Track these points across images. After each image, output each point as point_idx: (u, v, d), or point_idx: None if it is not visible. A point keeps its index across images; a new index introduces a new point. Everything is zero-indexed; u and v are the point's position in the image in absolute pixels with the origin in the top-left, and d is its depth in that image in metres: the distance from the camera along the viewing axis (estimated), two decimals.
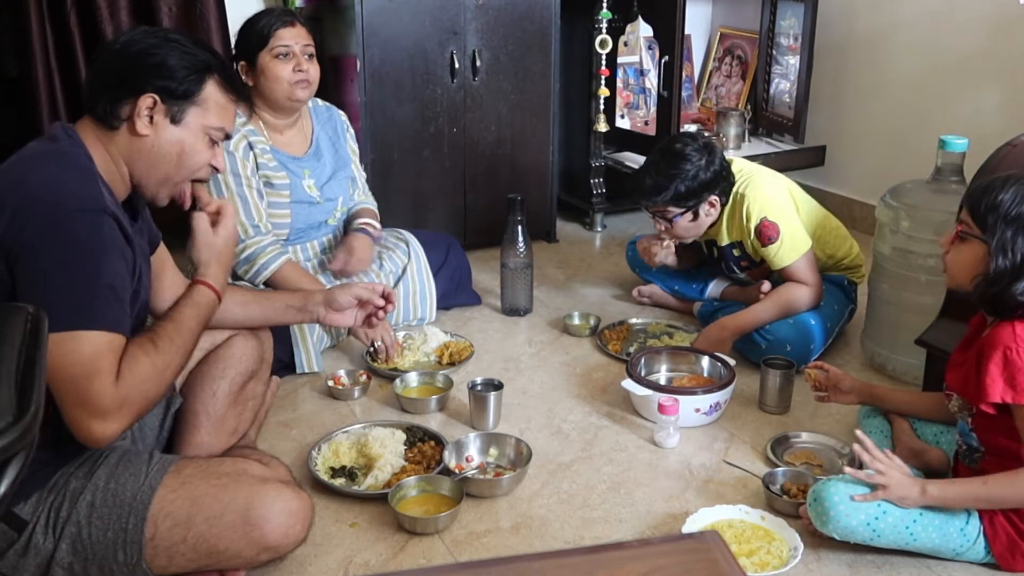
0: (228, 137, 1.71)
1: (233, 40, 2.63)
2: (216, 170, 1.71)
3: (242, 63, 2.57)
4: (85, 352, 1.46)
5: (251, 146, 2.57)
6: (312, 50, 2.60)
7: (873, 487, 1.72)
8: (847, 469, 1.78)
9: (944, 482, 1.74)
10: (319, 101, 2.83)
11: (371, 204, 2.90)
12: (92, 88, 1.62)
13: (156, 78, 1.59)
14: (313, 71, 2.58)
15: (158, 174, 1.64)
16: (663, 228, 2.63)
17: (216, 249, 1.80)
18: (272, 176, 2.60)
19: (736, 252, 2.69)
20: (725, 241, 2.67)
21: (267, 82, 2.54)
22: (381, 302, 2.08)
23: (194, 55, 1.63)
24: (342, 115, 2.88)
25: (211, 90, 1.65)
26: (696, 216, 2.57)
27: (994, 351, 1.67)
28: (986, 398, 1.67)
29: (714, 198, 2.56)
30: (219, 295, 1.77)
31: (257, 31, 2.54)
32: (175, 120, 1.62)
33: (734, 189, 2.59)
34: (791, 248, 2.55)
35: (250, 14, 2.52)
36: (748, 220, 2.56)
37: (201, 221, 1.80)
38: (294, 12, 2.61)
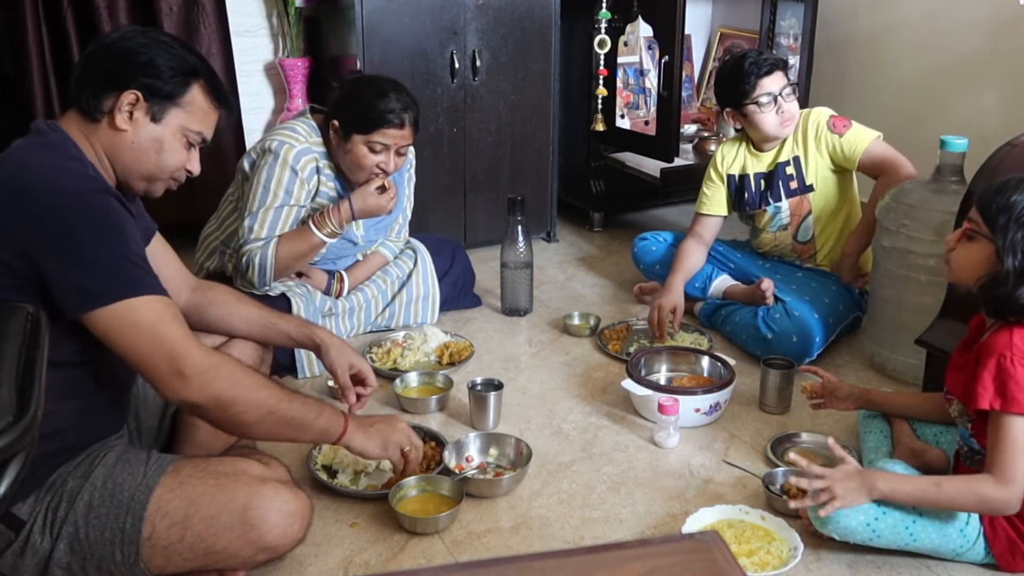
0: (205, 142, 1.72)
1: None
2: (191, 173, 1.71)
3: (335, 123, 2.50)
4: (148, 319, 1.51)
5: (318, 169, 2.55)
6: (406, 148, 2.55)
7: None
8: (792, 503, 1.78)
9: (895, 479, 1.72)
10: None
11: (387, 250, 2.85)
12: (79, 80, 1.64)
13: (142, 75, 1.61)
14: (398, 164, 2.54)
15: (139, 170, 1.65)
16: (787, 106, 2.73)
17: (381, 434, 1.83)
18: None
19: (789, 170, 2.78)
20: (783, 157, 2.78)
21: (349, 159, 2.51)
22: (364, 391, 2.09)
23: (182, 58, 1.65)
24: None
25: (195, 94, 1.66)
26: (794, 92, 2.77)
27: (989, 358, 1.66)
28: (976, 404, 1.67)
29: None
30: (340, 439, 1.76)
31: (365, 116, 2.45)
32: (155, 118, 1.63)
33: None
34: (865, 132, 2.70)
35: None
36: (818, 121, 2.74)
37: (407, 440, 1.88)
38: (410, 107, 2.49)
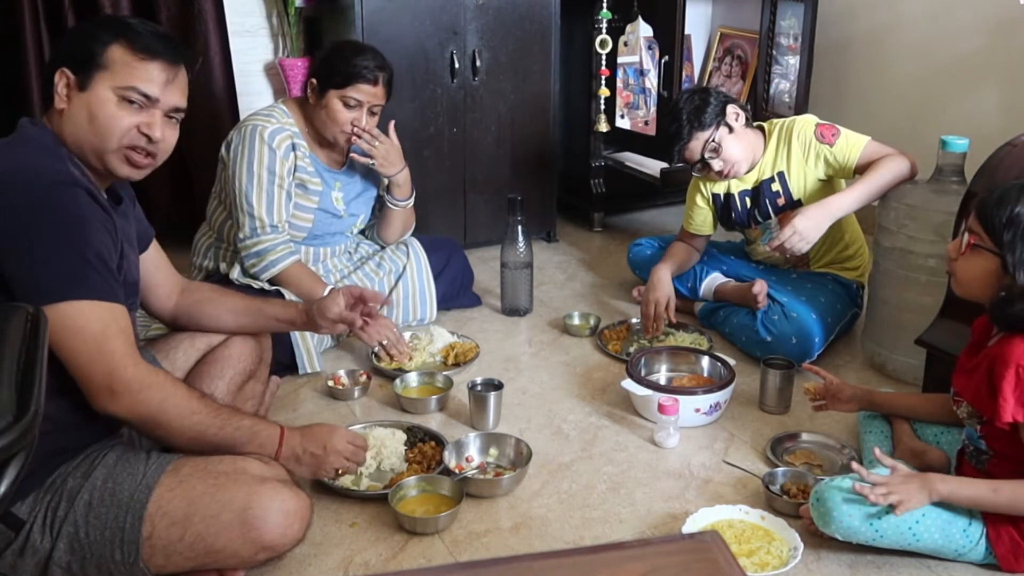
0: (148, 98, 1.64)
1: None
2: (150, 139, 1.64)
3: (313, 81, 2.59)
4: (93, 328, 1.50)
5: (294, 147, 2.61)
6: (379, 109, 2.63)
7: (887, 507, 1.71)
8: (857, 486, 1.71)
9: (953, 482, 1.72)
10: None
11: None
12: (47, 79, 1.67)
13: (64, 49, 1.64)
14: (370, 125, 2.62)
15: (86, 146, 1.63)
16: (716, 166, 2.67)
17: (322, 446, 1.81)
18: (307, 180, 2.64)
19: (774, 186, 2.72)
20: (767, 174, 2.72)
21: (324, 116, 2.59)
22: (373, 302, 2.06)
23: (102, 22, 1.67)
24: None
25: (116, 52, 1.62)
26: (731, 128, 2.65)
27: (1007, 369, 1.65)
28: (1001, 419, 1.66)
29: (732, 107, 2.66)
30: (278, 456, 1.75)
31: (341, 71, 2.54)
32: (82, 87, 1.62)
33: (777, 123, 2.73)
34: (855, 137, 2.62)
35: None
36: (804, 132, 2.65)
37: (346, 439, 1.87)
38: (384, 67, 2.60)
